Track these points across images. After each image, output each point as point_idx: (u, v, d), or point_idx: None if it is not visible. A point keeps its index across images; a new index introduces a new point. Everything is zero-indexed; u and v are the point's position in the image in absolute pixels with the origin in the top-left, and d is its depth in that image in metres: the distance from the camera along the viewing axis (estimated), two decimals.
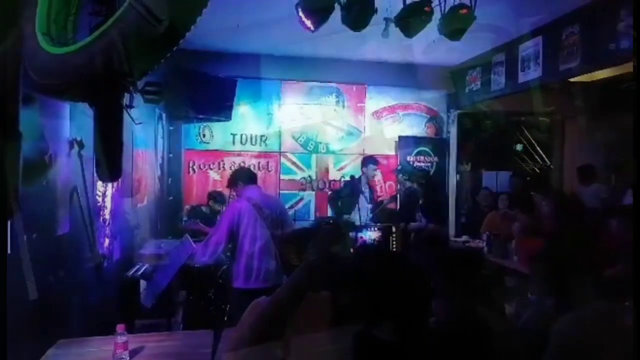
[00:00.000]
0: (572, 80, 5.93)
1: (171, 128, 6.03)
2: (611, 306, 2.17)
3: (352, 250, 1.54)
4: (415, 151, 6.68)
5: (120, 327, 2.15)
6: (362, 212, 5.21)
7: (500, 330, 1.80)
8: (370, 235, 4.58)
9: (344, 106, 6.57)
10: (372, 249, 3.60)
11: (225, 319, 4.27)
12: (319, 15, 3.38)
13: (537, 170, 8.77)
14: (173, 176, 6.04)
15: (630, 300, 2.73)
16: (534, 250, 4.50)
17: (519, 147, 9.29)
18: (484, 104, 6.31)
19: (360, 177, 5.53)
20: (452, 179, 6.89)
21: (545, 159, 8.51)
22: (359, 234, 4.52)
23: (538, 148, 8.99)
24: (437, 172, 6.73)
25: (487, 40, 5.15)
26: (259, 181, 4.23)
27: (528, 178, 7.28)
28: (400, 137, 6.64)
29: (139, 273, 3.91)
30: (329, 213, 6.05)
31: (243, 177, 3.91)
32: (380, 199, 5.97)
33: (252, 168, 5.50)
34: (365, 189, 5.47)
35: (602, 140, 7.09)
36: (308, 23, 3.46)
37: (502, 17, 4.32)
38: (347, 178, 5.78)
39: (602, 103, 6.85)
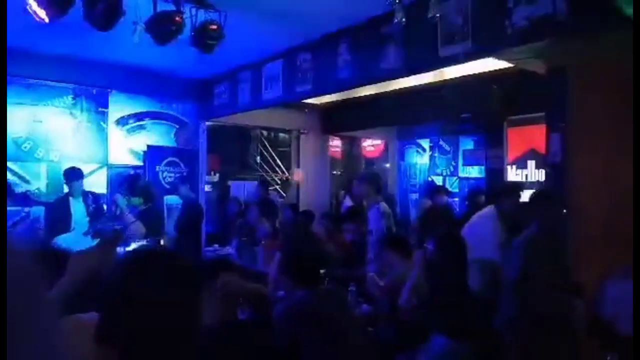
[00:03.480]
0: (306, 101, 6.85)
1: None
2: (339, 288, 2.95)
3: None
4: (165, 161, 6.53)
5: None
6: (77, 228, 4.74)
7: (261, 326, 1.95)
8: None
9: (82, 110, 5.92)
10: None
11: None
12: (57, 6, 3.00)
13: (278, 181, 9.72)
14: None
15: (352, 285, 3.42)
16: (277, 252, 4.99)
17: (260, 159, 10.15)
18: (231, 117, 6.64)
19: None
20: (202, 190, 6.98)
21: (284, 170, 9.49)
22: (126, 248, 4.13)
23: (278, 160, 9.99)
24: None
25: (236, 57, 5.46)
26: None
27: (271, 187, 8.00)
28: (148, 147, 6.38)
29: None
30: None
31: None
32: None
33: None
34: (78, 203, 4.98)
35: (328, 155, 8.38)
36: (41, 13, 3.02)
37: (250, 38, 4.65)
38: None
39: (327, 122, 8.09)
